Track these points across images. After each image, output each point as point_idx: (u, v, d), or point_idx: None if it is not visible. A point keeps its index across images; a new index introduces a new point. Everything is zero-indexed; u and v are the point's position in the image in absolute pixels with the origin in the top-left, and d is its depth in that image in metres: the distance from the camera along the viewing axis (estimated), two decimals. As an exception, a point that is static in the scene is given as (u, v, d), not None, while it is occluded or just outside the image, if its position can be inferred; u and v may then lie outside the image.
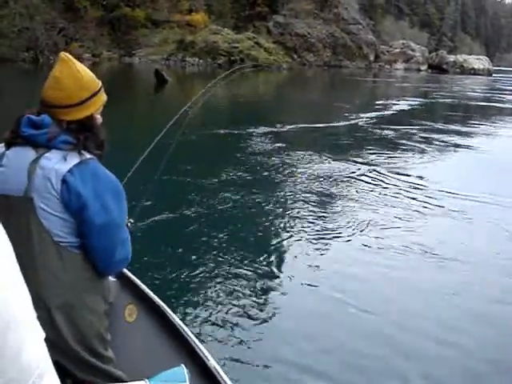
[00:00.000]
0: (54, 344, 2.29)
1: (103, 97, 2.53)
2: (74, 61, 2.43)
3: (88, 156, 2.39)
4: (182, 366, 2.12)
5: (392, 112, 23.32)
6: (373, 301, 5.63)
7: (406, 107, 26.19)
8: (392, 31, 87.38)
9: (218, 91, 31.50)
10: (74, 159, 2.34)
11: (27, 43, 44.87)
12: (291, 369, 4.59)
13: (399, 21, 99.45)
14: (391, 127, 18.23)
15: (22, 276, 0.87)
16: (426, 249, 6.98)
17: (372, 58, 63.65)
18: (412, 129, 18.32)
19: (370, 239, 7.22)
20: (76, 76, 2.41)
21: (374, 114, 21.94)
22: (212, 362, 2.77)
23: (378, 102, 26.46)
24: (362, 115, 21.27)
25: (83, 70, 2.44)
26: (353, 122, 19.70)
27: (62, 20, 49.41)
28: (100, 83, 2.52)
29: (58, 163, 2.32)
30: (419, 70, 65.71)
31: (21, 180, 2.33)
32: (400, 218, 8.18)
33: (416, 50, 73.75)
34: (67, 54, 2.45)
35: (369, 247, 6.96)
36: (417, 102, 28.90)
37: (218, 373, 2.69)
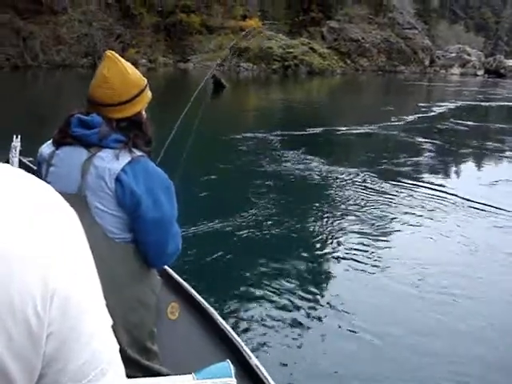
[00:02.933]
0: None
1: (149, 93, 2.56)
2: (120, 59, 2.46)
3: (138, 153, 2.42)
4: (228, 361, 2.13)
5: (446, 117, 22.89)
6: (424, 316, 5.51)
7: (460, 112, 25.71)
8: (447, 35, 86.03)
9: (272, 95, 31.60)
10: (125, 157, 2.37)
11: (85, 49, 45.75)
12: (332, 370, 4.58)
13: (454, 25, 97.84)
14: (447, 134, 17.91)
15: (93, 261, 0.91)
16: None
17: (427, 62, 62.84)
18: (467, 135, 17.89)
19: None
20: (124, 74, 2.44)
21: (428, 119, 21.64)
22: (254, 360, 2.79)
23: (432, 108, 26.02)
24: (415, 120, 21.03)
25: (130, 67, 2.48)
26: (407, 126, 19.45)
27: (118, 26, 50.23)
28: (146, 80, 2.54)
29: (110, 162, 2.36)
30: (476, 75, 64.53)
31: (74, 178, 2.39)
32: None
33: (472, 54, 72.48)
34: (113, 53, 2.48)
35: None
36: (472, 107, 28.33)
37: (261, 371, 2.71)
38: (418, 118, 21.76)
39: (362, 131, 17.95)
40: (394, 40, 60.03)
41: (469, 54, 72.50)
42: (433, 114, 23.69)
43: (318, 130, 17.57)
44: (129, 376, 2.14)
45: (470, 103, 29.55)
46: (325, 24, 58.72)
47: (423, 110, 24.80)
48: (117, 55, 2.47)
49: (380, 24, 60.77)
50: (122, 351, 2.39)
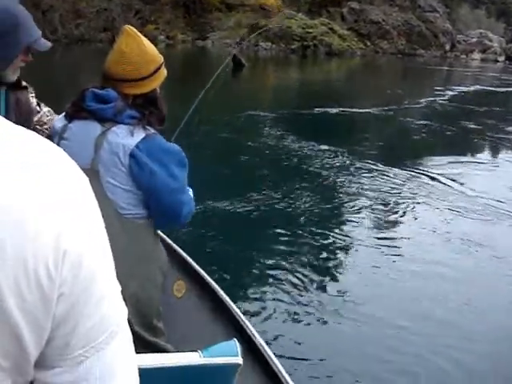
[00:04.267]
0: None
1: (165, 71, 2.56)
2: (139, 34, 2.46)
3: (152, 131, 2.44)
4: (234, 339, 2.12)
5: (464, 102, 22.67)
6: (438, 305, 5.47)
7: (479, 98, 25.44)
8: (468, 20, 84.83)
9: (290, 75, 31.46)
10: (140, 134, 2.39)
11: (104, 24, 45.57)
12: (338, 351, 4.58)
13: (476, 9, 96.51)
14: (465, 119, 17.70)
15: (104, 227, 0.92)
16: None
17: (448, 47, 62.08)
18: (485, 121, 17.61)
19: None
20: (142, 49, 2.44)
21: (447, 104, 21.47)
22: (259, 339, 2.81)
23: (451, 93, 25.78)
24: (433, 104, 20.89)
25: (148, 43, 2.48)
26: (425, 110, 19.30)
27: (137, 2, 49.97)
28: (162, 57, 2.55)
29: (125, 138, 2.37)
30: (496, 61, 63.65)
31: (87, 153, 2.39)
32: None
33: (493, 40, 71.48)
34: (132, 28, 2.47)
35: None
36: (491, 93, 28.03)
37: (265, 350, 2.73)
38: (437, 102, 21.61)
39: (379, 113, 17.88)
40: (414, 23, 59.25)
41: (490, 40, 71.58)
42: (451, 98, 23.51)
43: (334, 110, 17.53)
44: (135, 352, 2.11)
45: (489, 89, 29.24)
46: (345, 5, 58.01)
47: (442, 94, 24.61)
48: (135, 30, 2.46)
49: (401, 6, 59.96)
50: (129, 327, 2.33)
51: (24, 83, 2.90)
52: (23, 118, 2.77)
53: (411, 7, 60.24)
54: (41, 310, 0.80)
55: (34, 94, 3.01)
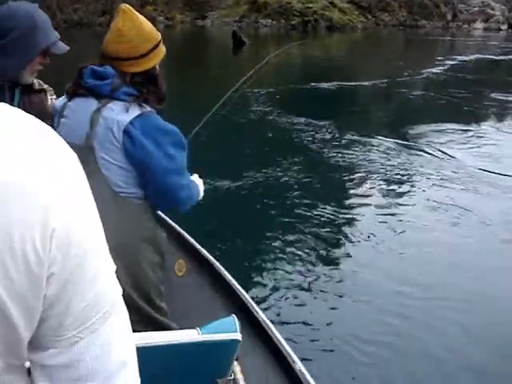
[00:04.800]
0: None
1: (164, 48, 2.54)
2: (135, 12, 2.45)
3: (148, 109, 2.43)
4: (233, 316, 2.11)
5: (466, 72, 22.50)
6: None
7: (482, 67, 25.30)
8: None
9: (292, 51, 31.33)
10: (135, 111, 2.38)
11: (103, 7, 45.35)
12: (339, 329, 4.60)
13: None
14: (466, 89, 17.49)
15: (95, 204, 0.89)
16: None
17: (450, 17, 61.56)
18: (487, 91, 17.35)
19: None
20: (139, 28, 2.43)
21: (449, 74, 21.35)
22: (261, 315, 2.81)
23: (453, 63, 25.60)
24: (436, 75, 20.79)
25: (145, 21, 2.47)
26: (427, 81, 19.20)
27: (136, -17, 49.62)
28: (160, 35, 2.53)
29: (119, 114, 2.36)
30: (499, 30, 63.10)
31: (83, 129, 2.40)
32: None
33: (496, 8, 70.80)
34: (128, 6, 2.46)
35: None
36: (494, 62, 27.82)
37: (267, 325, 2.72)
38: (439, 72, 21.52)
39: (381, 86, 17.89)
40: (415, -6, 58.81)
41: (492, 9, 70.92)
42: (454, 68, 23.38)
43: (336, 84, 17.52)
44: (137, 331, 2.10)
45: (492, 57, 29.03)
46: (345, -22, 57.64)
47: (445, 64, 24.46)
48: (132, 9, 2.45)
49: (401, -23, 59.49)
50: (131, 306, 2.36)
51: (44, 86, 2.97)
52: None
53: (411, -22, 59.79)
54: (30, 291, 0.78)
55: (54, 96, 3.02)
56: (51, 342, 0.85)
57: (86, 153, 2.32)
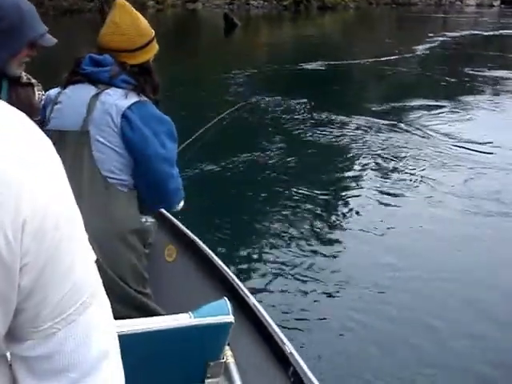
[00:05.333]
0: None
1: (156, 45, 2.66)
2: (132, 8, 2.55)
3: (145, 98, 2.52)
4: (225, 298, 2.12)
5: (459, 48, 22.48)
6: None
7: (474, 43, 25.24)
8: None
9: (284, 32, 31.19)
10: (133, 98, 2.46)
11: (92, -7, 44.95)
12: (331, 314, 4.63)
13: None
14: (461, 65, 17.46)
15: (72, 194, 0.87)
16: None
17: (442, -7, 61.22)
18: (482, 67, 17.26)
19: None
20: (135, 22, 2.54)
21: (442, 51, 21.36)
22: (252, 299, 2.81)
23: (445, 40, 25.59)
24: (429, 52, 20.79)
25: (140, 16, 2.59)
26: (419, 59, 19.19)
27: (125, -32, 49.21)
28: (153, 31, 2.64)
29: (118, 99, 2.43)
30: (491, 6, 62.76)
31: (80, 115, 2.44)
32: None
33: (488, -16, 70.54)
34: (125, 1, 2.56)
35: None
36: (486, 37, 27.77)
37: (258, 309, 2.73)
38: (432, 49, 21.58)
39: (373, 64, 17.89)
40: (407, -29, 58.40)
41: (484, -16, 70.69)
42: (447, 45, 23.50)
43: (326, 63, 17.48)
44: (123, 316, 2.11)
45: (484, 33, 28.99)
46: (335, -43, 57.20)
47: (437, 41, 24.55)
48: (128, 4, 2.55)
49: (392, -45, 59.04)
50: (116, 289, 2.30)
51: (32, 80, 2.96)
52: None
53: (402, -45, 59.34)
54: (4, 282, 0.77)
55: (42, 92, 3.01)
56: (29, 333, 0.84)
57: (81, 137, 2.40)
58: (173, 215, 3.57)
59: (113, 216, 2.48)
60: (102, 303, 0.92)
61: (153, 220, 2.81)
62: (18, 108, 2.87)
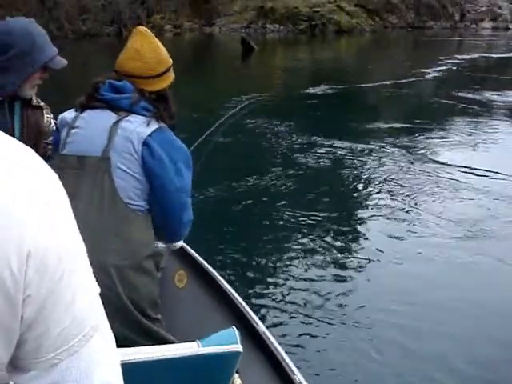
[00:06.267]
0: (110, 304, 2.31)
1: (173, 73, 2.70)
2: (153, 36, 2.61)
3: (163, 124, 2.54)
4: (233, 327, 2.11)
5: (475, 70, 22.40)
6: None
7: (490, 66, 25.17)
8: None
9: (300, 55, 31.30)
10: (154, 125, 2.48)
11: (111, 17, 45.53)
12: (340, 344, 4.56)
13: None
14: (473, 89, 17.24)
15: (77, 228, 0.88)
16: None
17: (457, 17, 61.30)
18: (498, 91, 17.06)
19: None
20: (156, 50, 2.59)
21: (458, 75, 21.28)
22: (261, 327, 2.80)
23: (461, 62, 25.49)
24: (445, 75, 20.77)
25: (161, 45, 2.63)
26: (436, 82, 19.14)
27: (143, -8, 49.81)
28: (171, 61, 2.67)
29: (139, 126, 2.45)
30: (507, 29, 62.87)
31: (100, 141, 2.44)
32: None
33: (503, 7, 70.34)
34: (146, 29, 2.63)
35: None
36: (503, 60, 27.63)
37: (268, 338, 2.72)
38: (448, 72, 21.45)
39: (389, 88, 17.85)
40: (422, -5, 58.61)
41: (499, 7, 70.49)
42: (462, 68, 23.44)
43: (343, 87, 17.52)
44: (134, 341, 2.10)
45: (500, 56, 28.89)
46: (351, -19, 57.56)
47: (452, 64, 24.45)
48: (149, 32, 2.62)
49: (408, -21, 59.30)
50: (128, 316, 2.34)
51: (41, 103, 3.01)
52: (30, 136, 2.88)
53: (418, -21, 59.60)
54: (7, 313, 0.78)
55: (51, 115, 3.07)
56: (31, 364, 0.85)
57: (101, 163, 2.42)
58: (185, 240, 3.58)
59: (131, 241, 2.49)
60: (104, 336, 0.93)
61: (164, 244, 2.82)
62: (27, 129, 2.95)
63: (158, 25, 48.95)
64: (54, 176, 0.88)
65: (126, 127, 2.46)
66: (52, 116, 3.07)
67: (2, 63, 2.66)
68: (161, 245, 2.77)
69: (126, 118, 2.49)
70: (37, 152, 2.90)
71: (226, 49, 37.15)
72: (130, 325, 2.48)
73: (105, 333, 0.93)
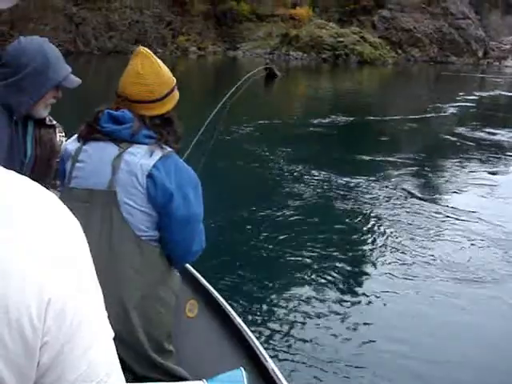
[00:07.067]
0: (123, 340, 2.33)
1: (177, 93, 2.56)
2: (154, 56, 2.47)
3: (168, 149, 2.43)
4: (241, 368, 2.06)
5: (498, 109, 22.30)
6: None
7: (509, 105, 24.99)
8: (500, 26, 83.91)
9: (322, 84, 31.41)
10: (157, 154, 2.37)
11: (136, 36, 46.14)
12: (352, 374, 4.49)
13: (506, 16, 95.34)
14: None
15: (95, 274, 0.90)
16: None
17: (481, 54, 61.52)
18: None
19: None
20: (158, 72, 2.45)
21: (480, 112, 21.20)
22: (270, 364, 2.74)
23: (483, 100, 25.45)
24: (466, 112, 20.69)
25: (163, 66, 2.49)
26: (456, 120, 19.05)
27: (169, 13, 50.52)
28: (175, 80, 2.54)
29: (142, 158, 2.36)
30: (530, 67, 62.97)
31: (105, 174, 2.37)
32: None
33: (527, 46, 70.57)
34: (146, 49, 2.49)
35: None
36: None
37: (277, 375, 2.66)
38: (468, 110, 21.41)
39: (410, 123, 17.77)
40: (446, 30, 58.89)
41: (524, 46, 70.64)
42: (484, 105, 23.31)
43: (365, 119, 17.54)
44: (144, 376, 2.09)
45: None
46: (376, 13, 57.96)
47: (474, 101, 24.34)
48: (150, 52, 2.48)
49: (433, 13, 59.63)
50: (139, 351, 2.30)
51: (53, 122, 2.98)
52: (44, 156, 2.86)
53: (443, 14, 59.79)
54: (24, 359, 0.79)
55: (63, 134, 3.05)
56: None
57: (108, 197, 2.35)
58: (196, 269, 3.54)
59: (145, 271, 2.44)
60: (117, 381, 0.93)
61: (177, 273, 2.75)
62: (40, 149, 2.92)
63: (183, 46, 49.60)
64: (75, 222, 0.89)
65: (129, 161, 2.37)
66: (64, 134, 3.04)
67: (15, 83, 2.65)
68: (176, 272, 2.70)
69: (129, 150, 2.38)
70: (50, 170, 2.87)
71: (247, 73, 37.18)
72: (141, 360, 2.45)
73: (118, 378, 0.93)
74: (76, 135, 2.55)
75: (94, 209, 2.36)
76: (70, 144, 2.55)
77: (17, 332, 0.77)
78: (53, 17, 42.22)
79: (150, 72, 2.43)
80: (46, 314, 0.79)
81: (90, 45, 44.03)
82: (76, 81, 2.80)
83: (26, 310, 0.77)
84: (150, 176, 2.34)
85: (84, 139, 2.48)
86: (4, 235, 0.78)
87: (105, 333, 0.90)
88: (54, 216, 0.86)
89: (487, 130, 16.64)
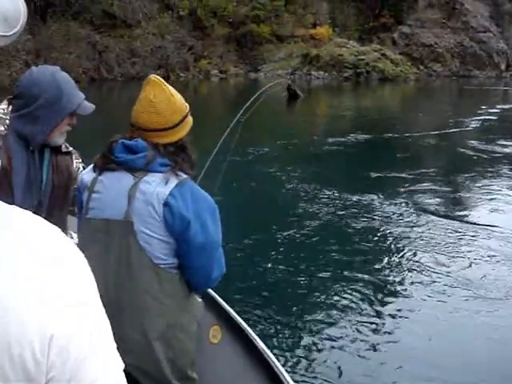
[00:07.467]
0: (146, 371, 2.36)
1: (191, 119, 2.56)
2: (166, 84, 2.47)
3: (184, 176, 2.43)
4: None
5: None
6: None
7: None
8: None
9: (344, 103, 31.38)
10: (173, 181, 2.38)
11: (159, 61, 46.60)
12: None
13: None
14: None
15: (101, 305, 0.91)
16: None
17: (503, 66, 60.99)
18: None
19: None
20: (170, 100, 2.45)
21: (502, 125, 20.99)
22: None
23: (504, 113, 25.19)
24: (487, 126, 20.43)
25: (175, 93, 2.49)
26: (481, 135, 18.86)
27: (190, 38, 51.00)
28: (188, 106, 2.54)
29: (158, 186, 2.36)
30: (554, 79, 62.36)
31: (120, 205, 2.38)
32: None
33: (550, 57, 69.97)
34: (158, 77, 2.49)
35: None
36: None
37: None
38: (492, 124, 21.21)
39: (430, 139, 17.56)
40: (467, 44, 58.59)
41: (547, 57, 70.06)
42: (506, 118, 23.00)
43: (384, 136, 17.50)
44: None
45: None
46: (396, 29, 57.98)
47: (498, 115, 24.10)
48: (162, 80, 2.48)
49: (453, 28, 59.42)
50: (163, 380, 2.32)
51: (70, 148, 3.01)
52: (61, 183, 2.90)
53: (463, 28, 59.55)
54: None
55: (80, 160, 3.08)
56: None
57: (125, 227, 2.35)
58: (219, 295, 3.53)
59: (165, 299, 2.43)
60: None
61: (200, 299, 2.76)
62: (57, 176, 2.99)
63: (205, 69, 50.03)
64: (80, 257, 0.91)
65: (145, 190, 2.36)
66: (81, 160, 3.08)
67: (30, 114, 2.69)
68: (198, 298, 2.71)
69: (144, 179, 2.38)
70: (67, 197, 2.92)
71: (270, 94, 37.36)
72: None
73: None
74: (92, 165, 2.57)
75: (112, 239, 2.37)
76: (87, 174, 2.57)
77: (20, 367, 0.79)
78: (76, 45, 42.84)
79: (162, 100, 2.43)
80: (49, 349, 0.80)
81: (113, 71, 44.57)
82: (90, 107, 2.84)
83: (29, 344, 0.79)
84: (166, 204, 2.34)
85: (99, 169, 2.50)
86: (5, 273, 0.79)
87: (113, 365, 0.90)
88: (58, 252, 0.87)
89: (510, 143, 16.51)
